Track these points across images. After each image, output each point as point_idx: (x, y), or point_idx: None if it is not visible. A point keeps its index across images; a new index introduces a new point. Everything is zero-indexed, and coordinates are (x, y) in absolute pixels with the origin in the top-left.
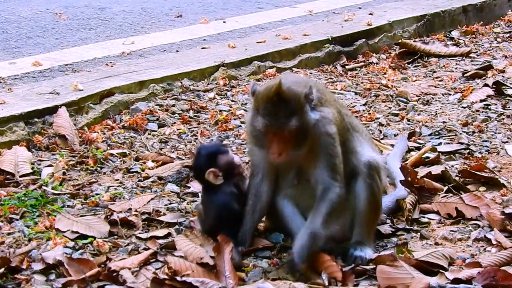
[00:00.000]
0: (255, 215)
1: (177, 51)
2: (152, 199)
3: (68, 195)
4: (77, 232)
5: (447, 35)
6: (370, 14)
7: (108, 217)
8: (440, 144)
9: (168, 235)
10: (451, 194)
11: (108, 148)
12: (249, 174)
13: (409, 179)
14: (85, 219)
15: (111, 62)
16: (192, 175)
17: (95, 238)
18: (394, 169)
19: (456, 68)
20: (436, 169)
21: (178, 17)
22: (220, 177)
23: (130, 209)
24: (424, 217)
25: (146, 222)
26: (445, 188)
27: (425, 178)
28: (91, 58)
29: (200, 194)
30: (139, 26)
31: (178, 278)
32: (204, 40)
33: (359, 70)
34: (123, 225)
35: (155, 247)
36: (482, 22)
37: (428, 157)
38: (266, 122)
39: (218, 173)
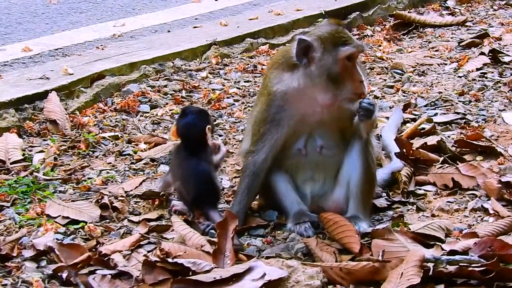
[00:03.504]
0: (251, 194)
1: (169, 31)
2: (144, 180)
3: (60, 181)
4: (68, 218)
5: (442, 5)
6: None
7: (99, 201)
8: (436, 114)
9: (161, 217)
10: (447, 165)
11: (100, 131)
12: (245, 151)
13: (404, 151)
14: (76, 204)
15: (102, 45)
16: (181, 135)
17: (86, 223)
18: (389, 141)
19: (452, 38)
20: (431, 140)
21: None
22: (213, 136)
23: (122, 192)
24: (420, 189)
25: (137, 205)
26: (441, 159)
27: (420, 150)
28: (81, 41)
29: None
30: (130, 7)
31: (170, 260)
32: (196, 19)
33: None
34: (115, 208)
35: (146, 229)
36: None
37: (423, 128)
38: (355, 44)
39: (213, 131)
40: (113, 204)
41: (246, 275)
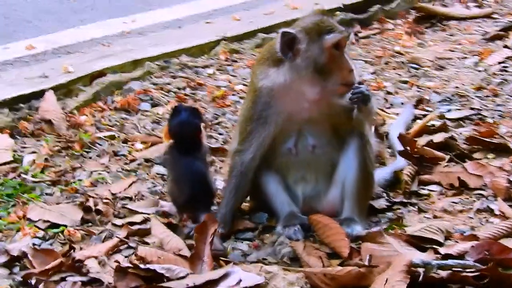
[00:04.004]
0: (238, 195)
1: (179, 27)
2: (134, 182)
3: (49, 182)
4: (48, 221)
5: None
6: None
7: (84, 203)
8: (449, 111)
9: (146, 220)
10: (454, 163)
11: (97, 131)
12: (233, 151)
13: (408, 148)
14: (58, 207)
15: (108, 43)
16: (175, 134)
17: (67, 226)
18: (395, 139)
19: (477, 31)
20: (438, 137)
21: None
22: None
23: (108, 194)
24: (424, 189)
25: (123, 207)
26: (448, 157)
27: (425, 147)
28: (88, 39)
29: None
30: (145, 3)
31: (142, 266)
32: (210, 14)
33: (373, 37)
34: (98, 211)
35: (126, 233)
36: None
37: (433, 125)
38: (342, 30)
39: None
40: (97, 207)
41: (221, 281)
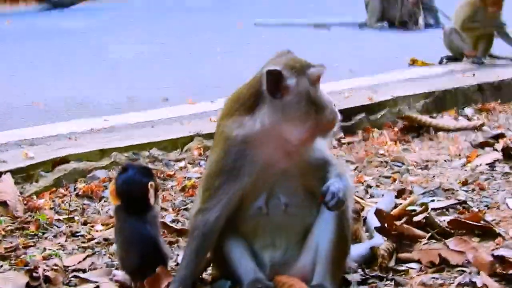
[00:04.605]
0: (199, 257)
1: (152, 127)
2: (89, 255)
3: None
4: None
5: (460, 113)
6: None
7: (31, 271)
8: (432, 201)
9: None
10: (434, 241)
11: (56, 215)
12: (195, 211)
13: (386, 225)
14: (4, 273)
15: (75, 137)
16: (121, 193)
17: None
18: (373, 222)
19: (465, 140)
20: (418, 217)
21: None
22: (156, 195)
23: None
24: (401, 266)
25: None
26: (428, 235)
27: (404, 225)
28: (54, 134)
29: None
30: (120, 110)
31: None
32: (186, 118)
33: (357, 144)
34: (47, 279)
35: None
36: (500, 101)
37: (414, 210)
38: (319, 64)
39: (157, 190)
40: (46, 274)
41: None
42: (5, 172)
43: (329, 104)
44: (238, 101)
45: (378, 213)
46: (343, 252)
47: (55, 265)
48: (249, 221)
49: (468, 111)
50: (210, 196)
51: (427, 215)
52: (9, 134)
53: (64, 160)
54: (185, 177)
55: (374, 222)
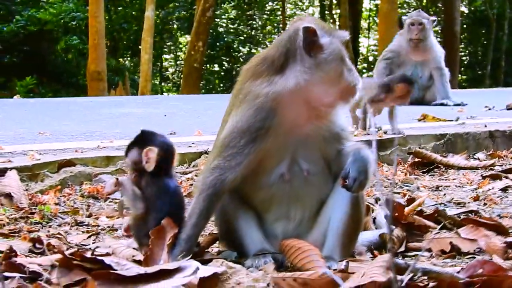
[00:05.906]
0: (208, 217)
1: None
2: (94, 234)
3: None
4: None
5: (471, 156)
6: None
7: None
8: (444, 210)
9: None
10: (445, 231)
11: (61, 208)
12: (210, 167)
13: (396, 214)
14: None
15: (82, 150)
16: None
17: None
18: (383, 223)
19: (476, 175)
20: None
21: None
22: None
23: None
24: (411, 252)
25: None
26: (439, 226)
27: (415, 215)
28: (60, 148)
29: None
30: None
31: (88, 255)
32: (193, 143)
33: None
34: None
35: None
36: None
37: (424, 211)
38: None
39: None
40: (49, 240)
41: (176, 273)
42: (11, 168)
43: (354, 68)
44: (265, 62)
45: (388, 201)
46: (355, 226)
47: (59, 233)
48: (267, 189)
49: (480, 155)
50: (232, 154)
51: (438, 209)
52: (17, 147)
53: (70, 163)
54: (191, 185)
55: (383, 223)
